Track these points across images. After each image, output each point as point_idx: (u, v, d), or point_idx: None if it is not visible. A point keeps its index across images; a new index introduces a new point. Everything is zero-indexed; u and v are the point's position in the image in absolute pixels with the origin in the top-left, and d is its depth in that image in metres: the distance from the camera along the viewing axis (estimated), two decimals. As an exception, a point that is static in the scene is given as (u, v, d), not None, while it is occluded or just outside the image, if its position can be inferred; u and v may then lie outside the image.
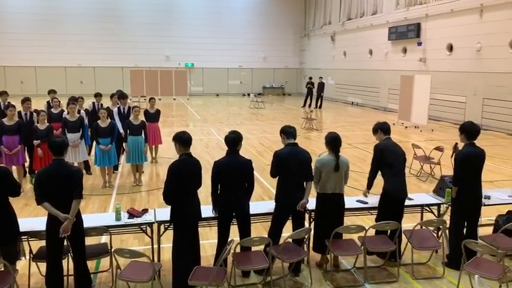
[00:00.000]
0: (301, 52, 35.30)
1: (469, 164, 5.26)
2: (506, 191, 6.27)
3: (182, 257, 4.67)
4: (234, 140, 4.94)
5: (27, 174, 9.28)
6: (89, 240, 5.01)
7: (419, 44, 20.51)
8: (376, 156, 5.48)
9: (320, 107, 24.76)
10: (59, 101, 9.88)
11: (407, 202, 5.71)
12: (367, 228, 5.05)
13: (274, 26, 34.13)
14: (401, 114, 17.98)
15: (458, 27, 18.04)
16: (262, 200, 7.55)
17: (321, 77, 25.63)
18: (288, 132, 5.18)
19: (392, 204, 5.41)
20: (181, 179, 4.64)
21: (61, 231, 4.30)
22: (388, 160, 5.38)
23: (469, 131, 5.31)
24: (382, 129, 5.58)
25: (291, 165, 5.01)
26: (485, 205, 5.66)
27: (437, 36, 19.43)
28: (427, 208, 5.94)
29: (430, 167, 9.78)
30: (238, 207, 4.98)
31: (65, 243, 4.52)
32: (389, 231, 5.42)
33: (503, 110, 15.95)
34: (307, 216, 5.43)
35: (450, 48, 18.72)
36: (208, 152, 12.31)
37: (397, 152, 5.45)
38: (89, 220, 4.93)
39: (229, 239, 4.84)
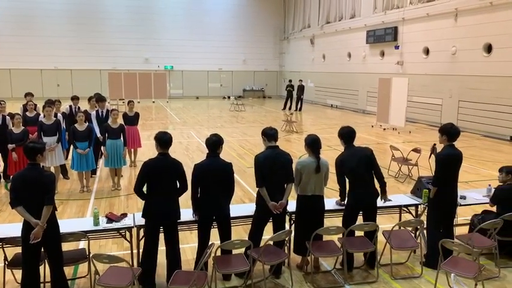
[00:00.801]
0: (281, 55, 35.47)
1: (449, 165, 5.36)
2: (481, 191, 6.41)
3: (148, 254, 4.74)
4: (214, 142, 4.93)
5: (2, 179, 9.07)
6: (67, 246, 4.92)
7: (397, 47, 20.85)
8: (336, 170, 5.34)
9: (300, 109, 24.93)
10: (35, 104, 9.69)
11: (386, 203, 5.78)
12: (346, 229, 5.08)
13: (254, 29, 34.21)
14: (380, 116, 18.24)
15: (434, 31, 18.42)
16: (243, 203, 7.54)
17: (301, 80, 25.82)
18: (268, 134, 5.16)
19: (357, 213, 5.41)
20: (152, 177, 4.70)
21: (31, 237, 4.20)
22: (347, 173, 5.27)
23: (451, 132, 5.38)
24: (342, 137, 5.41)
25: (271, 168, 5.01)
26: (461, 205, 5.79)
27: (414, 40, 19.80)
28: (405, 209, 6.02)
29: (408, 168, 9.94)
30: (219, 210, 4.97)
31: (42, 249, 4.42)
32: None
33: (478, 112, 16.33)
34: (287, 218, 5.44)
35: (426, 51, 19.09)
36: (188, 155, 12.23)
37: (355, 162, 5.21)
38: (67, 225, 4.84)
39: (209, 243, 4.81)
